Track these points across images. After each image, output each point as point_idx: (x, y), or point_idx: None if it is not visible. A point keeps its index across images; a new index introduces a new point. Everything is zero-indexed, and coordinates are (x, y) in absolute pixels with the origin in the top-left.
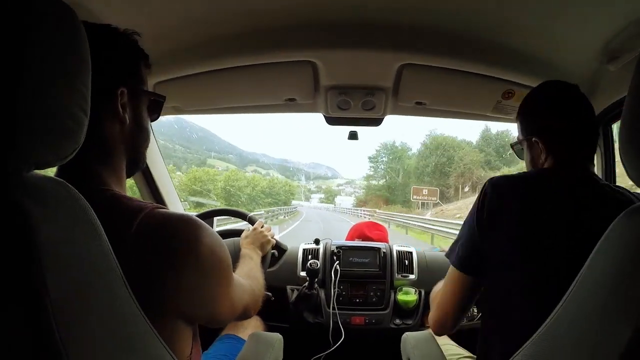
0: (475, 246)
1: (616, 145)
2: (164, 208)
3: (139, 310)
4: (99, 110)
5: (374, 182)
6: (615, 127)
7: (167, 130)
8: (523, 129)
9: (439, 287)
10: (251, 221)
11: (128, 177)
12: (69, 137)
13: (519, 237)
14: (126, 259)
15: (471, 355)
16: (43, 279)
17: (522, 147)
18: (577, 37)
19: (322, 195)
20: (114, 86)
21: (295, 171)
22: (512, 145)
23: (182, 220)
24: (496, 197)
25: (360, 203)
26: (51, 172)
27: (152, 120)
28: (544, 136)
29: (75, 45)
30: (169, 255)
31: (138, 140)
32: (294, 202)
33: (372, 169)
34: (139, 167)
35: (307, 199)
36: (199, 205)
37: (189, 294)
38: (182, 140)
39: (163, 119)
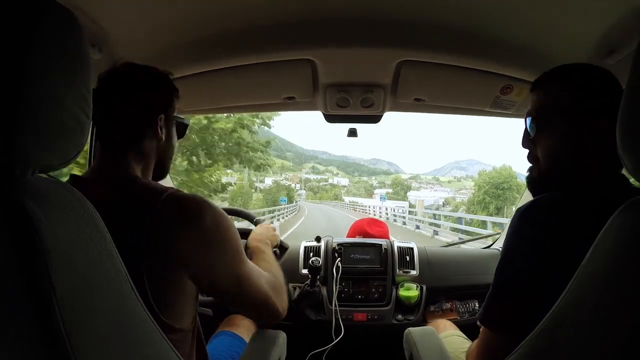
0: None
1: None
2: (183, 192)
3: (145, 309)
4: (144, 131)
5: None
6: None
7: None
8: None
9: None
10: (258, 224)
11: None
12: (72, 140)
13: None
14: (151, 228)
15: None
16: (50, 280)
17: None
18: (575, 31)
19: (390, 190)
20: (156, 114)
21: (356, 167)
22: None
23: (192, 199)
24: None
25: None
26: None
27: (178, 138)
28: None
29: (76, 49)
30: (180, 224)
31: (167, 153)
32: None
33: None
34: (164, 173)
35: (370, 194)
36: None
37: (190, 255)
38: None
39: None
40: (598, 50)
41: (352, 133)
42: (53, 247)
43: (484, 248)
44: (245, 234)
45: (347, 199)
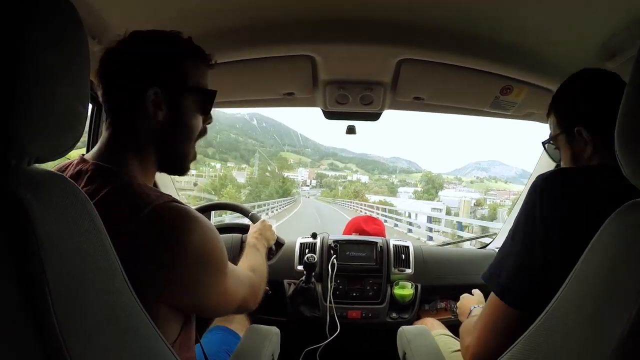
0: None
1: None
2: (179, 202)
3: (137, 302)
4: (131, 109)
5: None
6: None
7: (242, 125)
8: (560, 121)
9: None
10: (253, 219)
11: (170, 172)
12: (68, 131)
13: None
14: (133, 241)
15: None
16: (43, 271)
17: (556, 146)
18: (576, 34)
19: (418, 189)
20: (144, 86)
21: (375, 164)
22: (543, 144)
23: (177, 212)
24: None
25: None
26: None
27: (203, 114)
28: (590, 124)
29: (73, 39)
30: (161, 242)
31: (174, 137)
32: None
33: None
34: (179, 161)
35: (394, 193)
36: None
37: (176, 282)
38: (256, 134)
39: (237, 114)
40: (599, 53)
41: (351, 130)
42: (47, 239)
43: (480, 248)
44: (243, 229)
45: (373, 197)
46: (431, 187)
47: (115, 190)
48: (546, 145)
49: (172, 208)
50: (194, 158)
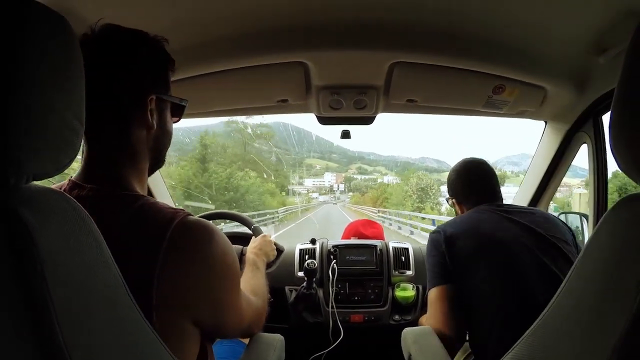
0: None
1: (606, 137)
2: (192, 216)
3: (142, 317)
4: (130, 118)
5: None
6: (605, 119)
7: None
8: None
9: None
10: (255, 232)
11: (148, 176)
12: (66, 147)
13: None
14: (162, 262)
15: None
16: (46, 288)
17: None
18: (567, 30)
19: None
20: (146, 94)
21: (405, 165)
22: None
23: (198, 226)
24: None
25: None
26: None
27: (174, 122)
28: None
29: (68, 55)
30: (188, 258)
31: (162, 143)
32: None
33: None
34: (158, 167)
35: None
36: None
37: (198, 298)
38: (280, 142)
39: (261, 121)
40: (589, 49)
41: (346, 135)
42: (49, 256)
43: None
44: (242, 238)
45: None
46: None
47: (132, 215)
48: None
49: (193, 223)
50: (163, 164)
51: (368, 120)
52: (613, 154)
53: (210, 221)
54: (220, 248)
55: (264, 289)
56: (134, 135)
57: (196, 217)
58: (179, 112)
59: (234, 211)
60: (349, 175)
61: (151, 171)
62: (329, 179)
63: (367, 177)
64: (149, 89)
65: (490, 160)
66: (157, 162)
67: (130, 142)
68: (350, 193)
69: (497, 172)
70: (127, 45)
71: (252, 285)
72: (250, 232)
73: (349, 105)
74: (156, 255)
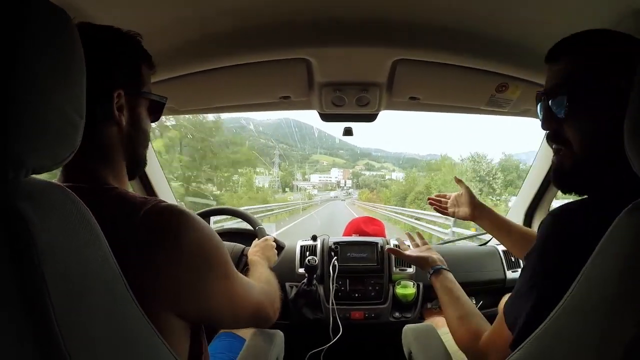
0: None
1: None
2: (165, 202)
3: (141, 311)
4: (95, 112)
5: None
6: None
7: (269, 131)
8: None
9: None
10: (259, 233)
11: (130, 179)
12: (65, 141)
13: None
14: (131, 249)
15: None
16: (44, 282)
17: None
18: (572, 30)
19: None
20: (110, 88)
21: (413, 162)
22: None
23: (169, 211)
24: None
25: None
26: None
27: (152, 122)
28: None
29: (68, 48)
30: (158, 245)
31: (136, 141)
32: None
33: None
34: (140, 168)
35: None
36: None
37: (176, 288)
38: (287, 139)
39: (268, 120)
40: None
41: (348, 132)
42: (47, 250)
43: (480, 245)
44: (245, 235)
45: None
46: (516, 177)
47: (106, 206)
48: None
49: (163, 209)
50: (145, 165)
51: (370, 118)
52: (628, 155)
53: (215, 216)
54: (196, 234)
55: (273, 278)
56: (103, 131)
57: (175, 204)
58: (157, 111)
59: (240, 209)
60: (357, 171)
61: (132, 172)
62: (335, 174)
63: (375, 173)
64: (114, 84)
65: (497, 158)
66: (134, 161)
67: (100, 138)
68: (359, 190)
69: (522, 166)
70: (94, 39)
71: (259, 275)
72: (252, 230)
73: (352, 102)
74: (127, 245)
